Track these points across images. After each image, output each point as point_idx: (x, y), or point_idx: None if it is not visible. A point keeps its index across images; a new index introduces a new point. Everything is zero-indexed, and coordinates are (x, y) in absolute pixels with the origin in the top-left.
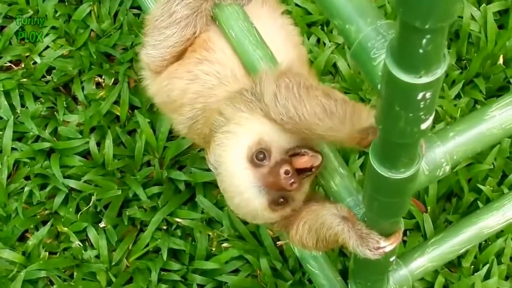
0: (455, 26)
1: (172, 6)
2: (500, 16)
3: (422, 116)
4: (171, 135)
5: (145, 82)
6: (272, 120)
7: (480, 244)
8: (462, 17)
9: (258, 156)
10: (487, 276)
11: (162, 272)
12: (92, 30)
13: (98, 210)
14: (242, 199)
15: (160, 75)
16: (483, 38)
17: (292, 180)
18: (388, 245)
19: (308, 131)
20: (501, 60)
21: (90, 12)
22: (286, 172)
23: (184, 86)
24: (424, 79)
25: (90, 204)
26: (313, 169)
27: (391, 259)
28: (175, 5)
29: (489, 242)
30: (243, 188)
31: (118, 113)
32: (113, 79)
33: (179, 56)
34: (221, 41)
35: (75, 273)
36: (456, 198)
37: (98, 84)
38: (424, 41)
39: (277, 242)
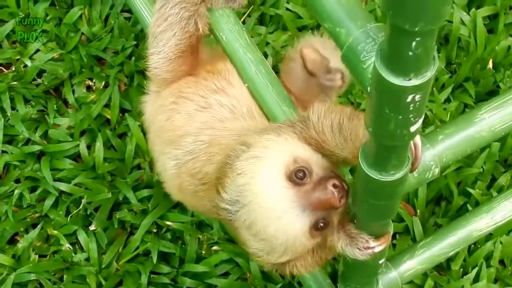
0: (445, 30)
1: (167, 11)
2: (490, 20)
3: (412, 119)
4: None
5: (145, 99)
6: (304, 142)
7: (469, 247)
8: (451, 22)
9: (298, 175)
10: (476, 279)
11: (152, 275)
12: (83, 33)
13: (88, 213)
14: (279, 225)
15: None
16: (473, 42)
17: (342, 195)
18: (377, 245)
19: (324, 145)
20: (490, 65)
21: (81, 15)
22: (335, 186)
23: (192, 111)
24: (414, 82)
25: (80, 207)
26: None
27: (381, 262)
28: (169, 9)
29: (478, 245)
30: (282, 210)
31: (108, 116)
32: (103, 82)
33: (191, 63)
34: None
35: (65, 276)
36: (446, 201)
37: (89, 88)
38: (413, 43)
39: None
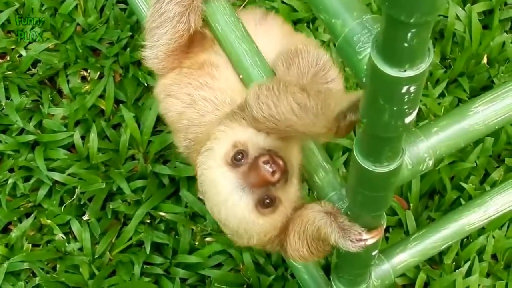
0: (440, 25)
1: (162, 6)
2: (485, 16)
3: (406, 110)
4: (156, 130)
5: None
6: (253, 126)
7: (462, 241)
8: (447, 17)
9: (237, 157)
10: (468, 273)
11: (145, 266)
12: (78, 24)
13: (82, 203)
14: (227, 208)
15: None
16: (468, 38)
17: (273, 169)
18: (369, 238)
19: (289, 129)
20: (485, 60)
21: (76, 6)
22: (265, 162)
23: (180, 109)
24: (409, 73)
25: (74, 197)
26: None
27: (373, 254)
28: (165, 4)
29: (471, 240)
30: (226, 193)
31: (103, 107)
32: (98, 73)
33: (182, 56)
34: (227, 70)
35: (58, 266)
36: (439, 195)
37: (84, 78)
38: (409, 35)
39: None
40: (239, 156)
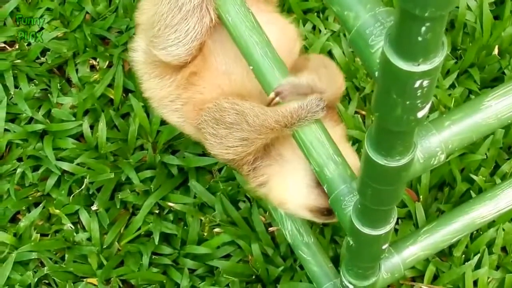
0: (451, 16)
1: (178, 2)
2: (496, 6)
3: (419, 104)
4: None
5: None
6: None
7: (472, 234)
8: (458, 7)
9: None
10: (477, 266)
11: (153, 256)
12: (87, 12)
13: (90, 193)
14: None
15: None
16: (479, 28)
17: None
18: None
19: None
20: (496, 51)
21: None
22: None
23: (167, 112)
24: (422, 67)
25: (83, 187)
26: None
27: (384, 247)
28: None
29: (481, 232)
30: None
31: (112, 96)
32: (107, 62)
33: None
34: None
35: (66, 255)
36: (449, 187)
37: (93, 67)
38: (423, 29)
39: (269, 228)
40: None
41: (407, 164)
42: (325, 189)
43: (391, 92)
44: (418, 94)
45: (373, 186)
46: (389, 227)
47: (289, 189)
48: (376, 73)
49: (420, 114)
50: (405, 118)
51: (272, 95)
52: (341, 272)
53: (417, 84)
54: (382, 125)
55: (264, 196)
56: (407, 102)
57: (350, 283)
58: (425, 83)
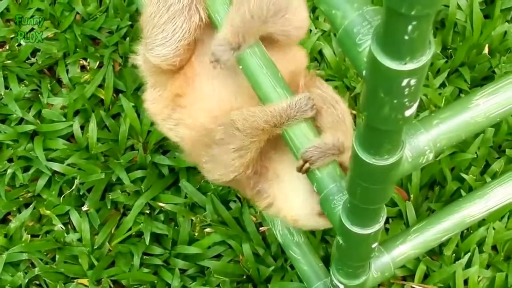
0: (441, 15)
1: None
2: (486, 5)
3: (407, 103)
4: None
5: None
6: None
7: (462, 232)
8: (448, 6)
9: None
10: (468, 265)
11: (144, 256)
12: (77, 12)
13: (81, 193)
14: None
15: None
16: (469, 27)
17: None
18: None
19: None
20: (486, 50)
21: None
22: None
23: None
24: (409, 66)
25: (73, 187)
26: None
27: (373, 246)
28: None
29: (471, 231)
30: None
31: (102, 97)
32: (98, 62)
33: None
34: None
35: (57, 256)
36: (439, 186)
37: (83, 67)
38: (410, 27)
39: (260, 228)
40: None
41: (396, 163)
42: (315, 188)
43: (378, 91)
44: (406, 92)
45: (362, 185)
46: (378, 226)
47: (294, 202)
48: (364, 72)
49: (407, 113)
50: (393, 116)
51: (300, 162)
52: (331, 272)
53: (404, 82)
54: (370, 124)
55: (277, 217)
56: (395, 101)
57: (340, 282)
58: (413, 82)
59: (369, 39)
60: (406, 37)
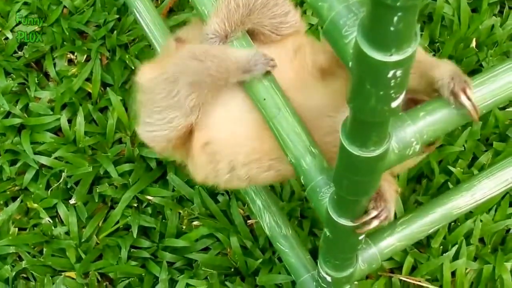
0: (429, 8)
1: (175, 88)
2: None
3: (393, 94)
4: None
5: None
6: None
7: (450, 225)
8: (436, 0)
9: None
10: (455, 257)
11: (132, 249)
12: (65, 6)
13: (68, 186)
14: None
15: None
16: (456, 21)
17: None
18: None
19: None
20: (473, 43)
21: None
22: None
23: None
24: (395, 57)
25: (61, 180)
26: None
27: (360, 238)
28: (178, 87)
29: (458, 223)
30: None
31: (90, 90)
32: (85, 56)
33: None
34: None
35: (44, 249)
36: (427, 179)
37: (70, 61)
38: (395, 18)
39: (248, 221)
40: None
41: (382, 155)
42: (302, 181)
43: (365, 83)
44: (392, 84)
45: (348, 176)
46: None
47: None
48: (350, 64)
49: (394, 104)
50: (379, 108)
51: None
52: (318, 264)
53: (390, 74)
54: (356, 115)
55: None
56: (381, 93)
57: (328, 274)
58: (398, 73)
59: (355, 30)
60: (392, 28)
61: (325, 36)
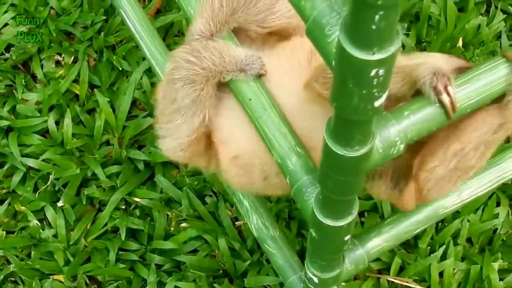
0: (416, 8)
1: (173, 92)
2: None
3: (376, 93)
4: (131, 115)
5: None
6: None
7: (437, 225)
8: (422, 0)
9: None
10: (443, 257)
11: (120, 252)
12: (52, 7)
13: (56, 189)
14: None
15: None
16: (443, 20)
17: None
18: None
19: None
20: (460, 43)
21: None
22: None
23: None
24: (377, 56)
25: (48, 183)
26: None
27: (346, 238)
28: (176, 91)
29: (446, 224)
30: None
31: (77, 92)
32: (72, 57)
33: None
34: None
35: (32, 252)
36: None
37: (58, 63)
38: (377, 17)
39: (236, 223)
40: None
41: (366, 154)
42: (288, 181)
43: (347, 82)
44: (375, 83)
45: (333, 176)
46: (351, 218)
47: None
48: (333, 63)
49: (377, 103)
50: (362, 107)
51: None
52: (305, 265)
53: (373, 73)
54: (340, 115)
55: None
56: (364, 91)
57: (314, 275)
58: (381, 72)
59: (338, 29)
60: (374, 27)
61: (308, 35)
